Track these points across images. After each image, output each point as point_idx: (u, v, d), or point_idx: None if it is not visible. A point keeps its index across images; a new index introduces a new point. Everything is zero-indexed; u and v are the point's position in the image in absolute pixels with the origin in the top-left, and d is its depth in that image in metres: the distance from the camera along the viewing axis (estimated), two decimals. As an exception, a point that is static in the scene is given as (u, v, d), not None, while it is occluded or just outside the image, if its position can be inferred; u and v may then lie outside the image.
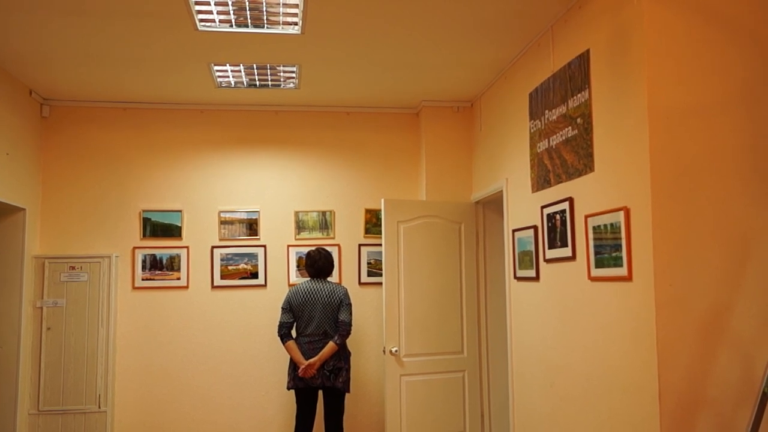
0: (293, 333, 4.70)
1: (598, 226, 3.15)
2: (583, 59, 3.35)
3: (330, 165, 5.43)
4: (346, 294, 4.62)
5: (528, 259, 4.05)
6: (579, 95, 3.39)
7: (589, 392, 3.26)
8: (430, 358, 4.94)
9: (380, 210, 5.41)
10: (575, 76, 3.44)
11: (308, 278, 4.80)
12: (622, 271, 2.94)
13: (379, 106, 5.46)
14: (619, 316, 2.97)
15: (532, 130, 4.01)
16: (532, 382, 4.00)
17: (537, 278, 3.92)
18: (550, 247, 3.72)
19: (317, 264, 4.70)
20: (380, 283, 5.34)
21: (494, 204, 5.20)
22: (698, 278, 2.74)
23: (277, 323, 4.67)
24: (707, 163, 2.79)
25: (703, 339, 2.72)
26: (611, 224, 3.03)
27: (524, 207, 4.14)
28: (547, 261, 3.76)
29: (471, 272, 5.11)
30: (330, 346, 4.51)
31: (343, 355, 4.59)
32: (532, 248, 3.97)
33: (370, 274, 5.35)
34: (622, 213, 2.94)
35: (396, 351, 4.80)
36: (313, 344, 4.57)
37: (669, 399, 2.68)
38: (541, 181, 3.86)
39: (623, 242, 2.93)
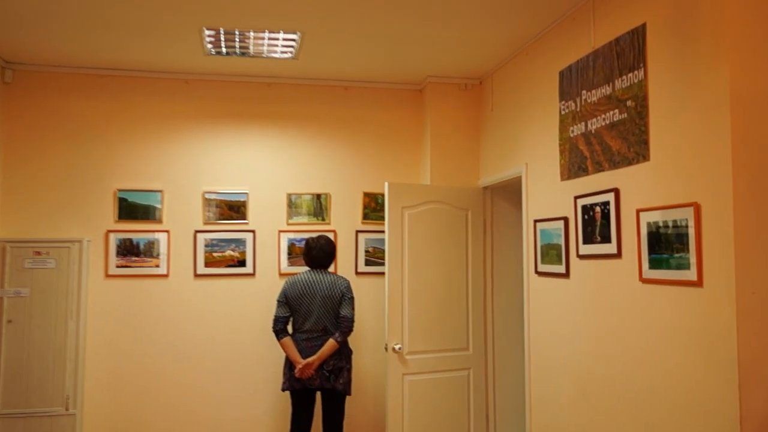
0: (290, 329, 4.28)
1: (655, 223, 2.81)
2: (637, 34, 2.98)
3: (326, 144, 4.98)
4: (348, 287, 4.22)
5: (554, 254, 3.71)
6: (630, 75, 3.03)
7: (635, 407, 2.95)
8: (434, 356, 4.59)
9: (380, 194, 5.00)
10: (625, 53, 3.08)
11: (307, 269, 4.37)
12: (689, 274, 2.61)
13: (381, 81, 5.02)
14: (683, 325, 2.65)
15: (563, 112, 3.65)
16: (557, 387, 3.68)
17: (566, 275, 3.58)
18: (585, 242, 3.38)
19: (312, 253, 4.27)
20: (379, 273, 4.94)
21: (504, 190, 4.84)
22: (781, 286, 2.42)
23: (272, 317, 4.24)
24: (795, 156, 2.47)
25: (786, 354, 2.41)
26: (674, 221, 2.70)
27: (550, 196, 3.79)
28: (582, 257, 3.42)
29: (478, 263, 4.76)
30: (330, 344, 4.11)
31: (344, 353, 4.20)
32: (561, 242, 3.63)
33: (368, 263, 4.95)
34: (691, 209, 2.60)
35: (399, 348, 4.43)
36: (312, 341, 4.16)
37: (751, 425, 2.37)
38: (575, 169, 3.50)
39: (691, 242, 2.59)
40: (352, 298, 4.19)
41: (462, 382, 4.68)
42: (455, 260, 4.68)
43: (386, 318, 4.46)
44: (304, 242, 4.77)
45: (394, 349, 4.44)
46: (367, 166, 5.01)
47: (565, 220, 3.59)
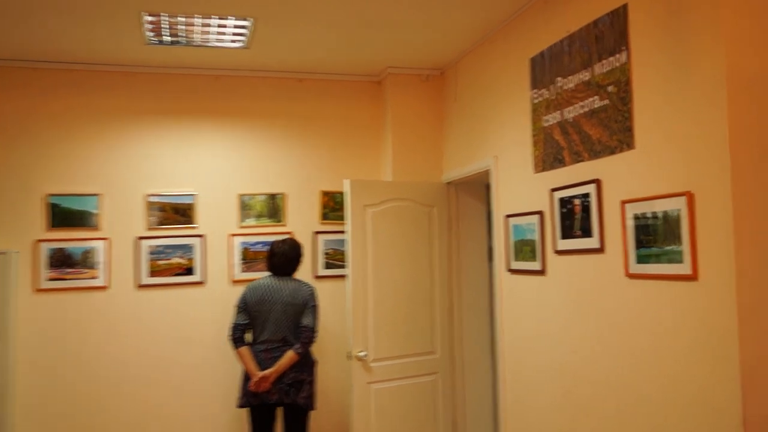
0: (249, 338, 3.96)
1: (643, 215, 2.64)
2: (618, 16, 2.81)
3: (280, 141, 4.67)
4: (312, 294, 3.93)
5: (528, 250, 3.52)
6: (611, 59, 2.85)
7: (626, 410, 2.76)
8: (400, 362, 4.34)
9: (339, 193, 4.71)
10: (605, 36, 2.90)
11: (269, 273, 4.06)
12: (683, 268, 2.44)
13: (338, 73, 4.74)
14: (677, 322, 2.48)
15: (535, 101, 3.46)
16: (535, 390, 3.48)
17: (542, 272, 3.39)
18: (564, 237, 3.19)
19: (274, 260, 3.97)
20: (339, 277, 4.66)
21: (469, 185, 4.63)
22: (784, 278, 2.27)
23: (230, 325, 3.92)
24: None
25: (792, 351, 2.27)
26: (665, 212, 2.52)
27: (523, 189, 3.59)
28: (559, 253, 3.23)
29: (443, 262, 4.53)
30: (289, 356, 3.82)
31: (305, 365, 3.90)
32: (536, 237, 3.44)
33: (327, 266, 4.66)
34: (683, 199, 2.43)
35: (364, 356, 4.17)
36: (270, 353, 3.86)
37: (755, 428, 2.21)
38: (551, 160, 3.31)
39: (684, 234, 2.42)
40: (315, 307, 3.90)
41: (429, 387, 4.45)
42: (420, 260, 4.45)
43: (349, 324, 4.19)
44: (258, 246, 4.47)
45: (358, 356, 4.17)
46: (325, 163, 4.73)
47: (541, 214, 3.40)
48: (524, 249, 3.57)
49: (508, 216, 3.73)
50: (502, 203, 3.82)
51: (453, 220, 4.61)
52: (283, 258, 3.95)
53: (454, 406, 4.53)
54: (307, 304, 3.88)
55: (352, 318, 4.18)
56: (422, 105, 4.68)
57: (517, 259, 3.66)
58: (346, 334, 4.42)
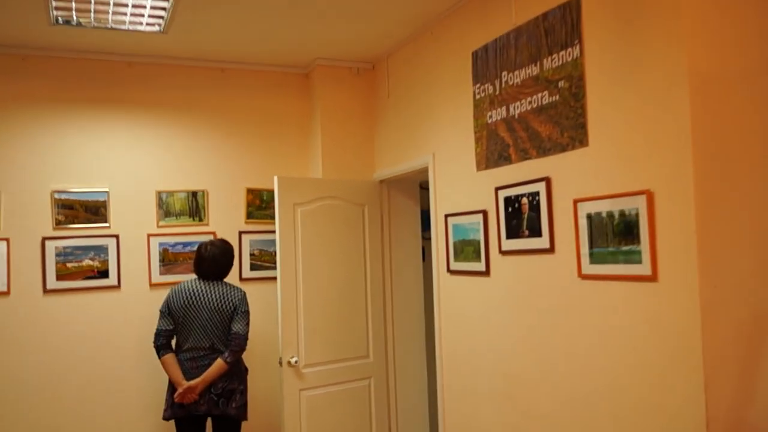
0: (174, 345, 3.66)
1: (598, 214, 2.58)
2: (570, 9, 2.73)
3: (202, 134, 4.35)
4: (243, 299, 3.66)
5: (471, 250, 3.41)
6: (562, 53, 2.78)
7: (573, 413, 2.70)
8: (333, 366, 4.15)
9: (266, 190, 4.44)
10: (555, 29, 2.82)
11: (196, 276, 3.76)
12: (641, 269, 2.39)
13: (264, 63, 4.47)
14: (635, 323, 2.43)
15: (478, 96, 3.35)
16: (476, 394, 3.38)
17: (486, 273, 3.29)
18: (510, 237, 3.10)
19: (203, 266, 3.67)
20: (267, 279, 4.40)
21: (401, 184, 4.49)
22: (741, 277, 2.26)
23: (154, 330, 3.60)
24: (755, 140, 2.32)
25: (749, 353, 2.26)
26: (621, 211, 2.47)
27: (464, 188, 3.48)
28: (505, 253, 3.15)
29: (376, 263, 4.37)
30: (218, 365, 3.55)
31: (236, 373, 3.64)
32: (479, 237, 3.33)
33: (254, 267, 4.40)
34: (642, 198, 2.37)
35: (296, 362, 3.95)
36: (197, 361, 3.58)
37: (718, 428, 2.18)
38: (495, 158, 3.22)
39: (643, 234, 2.37)
40: (246, 312, 3.63)
41: (363, 392, 4.28)
42: (353, 261, 4.27)
43: (280, 328, 3.96)
44: (178, 247, 4.15)
45: (289, 362, 3.95)
46: (251, 159, 4.45)
47: (484, 213, 3.30)
48: (466, 249, 3.46)
49: (449, 215, 3.61)
50: (442, 202, 3.70)
51: (385, 219, 4.45)
52: (212, 264, 3.66)
53: (389, 411, 4.39)
54: (237, 310, 3.61)
55: (282, 322, 3.94)
56: (353, 100, 4.49)
57: (457, 259, 3.55)
58: (274, 340, 4.19)
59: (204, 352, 3.58)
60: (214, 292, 3.62)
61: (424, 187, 4.82)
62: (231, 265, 3.76)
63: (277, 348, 4.12)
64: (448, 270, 3.63)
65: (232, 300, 3.62)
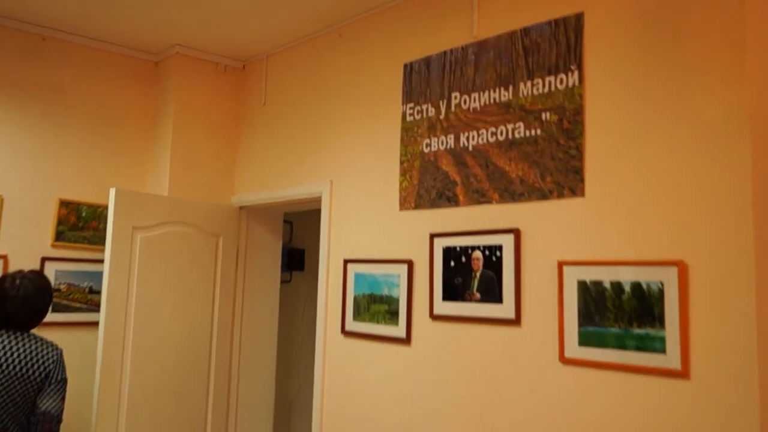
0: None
1: (596, 284, 2.03)
2: (566, 26, 2.21)
3: (2, 118, 3.08)
4: (59, 362, 2.44)
5: (384, 310, 2.68)
6: (549, 79, 2.24)
7: None
8: (160, 451, 3.09)
9: (88, 204, 3.26)
10: (540, 49, 2.27)
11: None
12: (664, 360, 1.87)
13: (99, 39, 3.35)
14: (648, 427, 1.89)
15: (409, 118, 2.68)
16: (376, 496, 2.62)
17: (406, 341, 2.58)
18: (449, 299, 2.44)
19: (7, 307, 2.38)
20: (74, 324, 3.20)
21: (264, 213, 3.62)
22: (783, 378, 1.84)
23: None
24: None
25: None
26: (636, 284, 1.95)
27: (378, 229, 2.76)
28: (438, 318, 2.47)
29: (226, 313, 3.41)
30: (9, 459, 2.33)
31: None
32: (399, 294, 2.62)
33: (57, 308, 3.16)
34: (672, 270, 1.87)
35: (113, 449, 2.83)
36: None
37: None
38: (432, 196, 2.55)
39: (672, 316, 1.87)
40: (63, 382, 2.42)
41: (193, 483, 3.25)
42: (199, 307, 3.27)
43: (95, 396, 2.83)
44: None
45: (103, 449, 2.82)
46: (69, 161, 3.25)
47: (410, 264, 2.60)
48: (375, 308, 2.72)
49: (350, 261, 2.85)
50: (339, 243, 2.93)
51: (241, 256, 3.53)
52: (23, 305, 2.40)
53: (224, 505, 3.40)
54: (50, 377, 2.38)
55: (100, 387, 2.82)
56: (216, 103, 3.55)
57: (359, 318, 2.79)
58: (87, 412, 3.02)
59: (-12, 440, 2.33)
60: (19, 350, 2.37)
61: (287, 221, 4.00)
62: (47, 310, 2.53)
63: (81, 427, 2.96)
64: (343, 331, 2.85)
65: (44, 363, 2.39)
